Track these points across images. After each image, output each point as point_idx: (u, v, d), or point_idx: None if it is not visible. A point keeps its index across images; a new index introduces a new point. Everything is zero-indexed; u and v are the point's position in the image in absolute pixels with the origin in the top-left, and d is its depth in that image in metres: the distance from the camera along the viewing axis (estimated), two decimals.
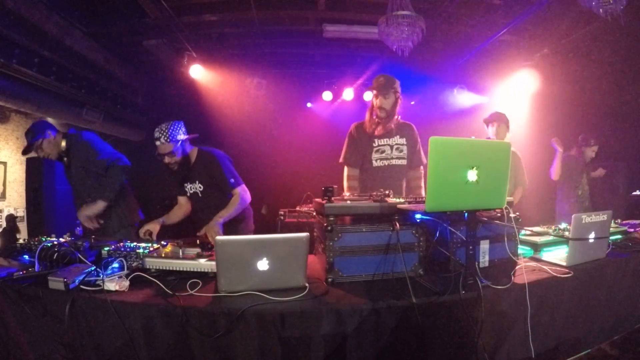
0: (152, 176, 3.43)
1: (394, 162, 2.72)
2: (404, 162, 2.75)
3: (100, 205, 2.65)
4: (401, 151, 2.74)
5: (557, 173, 4.11)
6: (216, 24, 4.50)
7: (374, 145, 2.72)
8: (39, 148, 2.73)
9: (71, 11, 3.90)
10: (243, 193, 2.54)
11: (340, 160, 2.81)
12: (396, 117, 2.75)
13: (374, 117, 2.72)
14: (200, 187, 2.58)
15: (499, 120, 3.27)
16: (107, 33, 4.39)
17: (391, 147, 2.73)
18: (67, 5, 3.80)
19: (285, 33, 4.80)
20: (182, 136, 2.44)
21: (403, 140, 2.75)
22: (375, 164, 2.72)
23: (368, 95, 6.09)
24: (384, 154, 2.72)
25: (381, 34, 3.17)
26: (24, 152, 2.79)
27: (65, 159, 2.82)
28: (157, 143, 2.40)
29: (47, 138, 2.73)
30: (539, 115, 5.34)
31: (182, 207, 2.75)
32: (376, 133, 2.71)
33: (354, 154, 2.76)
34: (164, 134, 2.37)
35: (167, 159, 2.45)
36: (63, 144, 2.79)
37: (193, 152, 2.57)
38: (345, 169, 2.79)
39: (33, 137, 2.70)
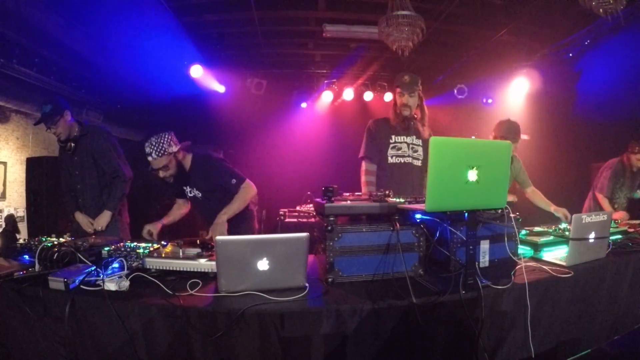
0: (152, 176, 3.43)
1: (409, 160, 2.71)
2: (419, 163, 2.73)
3: (108, 215, 2.75)
4: (416, 151, 2.73)
5: (604, 186, 3.74)
6: (216, 24, 4.50)
7: (391, 141, 2.71)
8: (54, 125, 2.68)
9: (71, 11, 3.90)
10: (247, 187, 2.47)
11: (360, 154, 2.80)
12: (422, 115, 2.74)
13: (399, 113, 2.68)
14: (199, 194, 2.54)
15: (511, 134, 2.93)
16: (107, 33, 4.39)
17: (408, 145, 2.71)
18: (67, 5, 3.80)
19: (285, 33, 4.81)
20: (173, 147, 2.36)
21: (419, 142, 2.74)
22: (390, 160, 2.70)
23: (368, 95, 6.09)
24: (400, 151, 2.70)
25: (381, 34, 3.17)
26: (37, 123, 2.74)
27: (72, 144, 2.78)
28: (150, 158, 2.33)
29: (64, 118, 2.70)
30: (538, 115, 5.34)
31: (181, 208, 2.74)
32: (397, 129, 2.70)
33: (372, 149, 2.75)
34: (155, 148, 2.30)
35: (161, 174, 2.39)
36: (76, 129, 2.79)
37: (187, 160, 2.50)
38: (363, 163, 2.78)
39: (53, 113, 2.64)
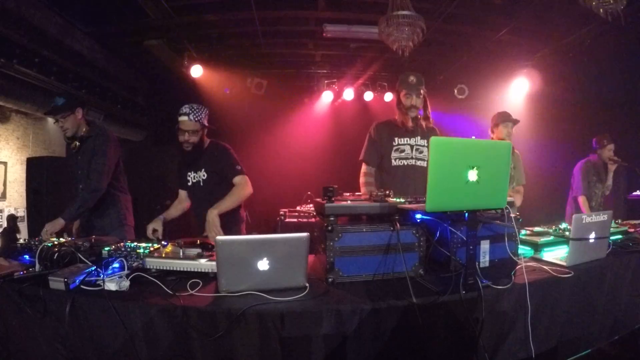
0: (152, 176, 3.43)
1: (414, 162, 2.68)
2: (424, 164, 2.69)
3: (60, 224, 2.41)
4: (421, 152, 2.70)
5: (579, 187, 3.84)
6: (216, 24, 4.50)
7: (394, 144, 2.68)
8: (62, 119, 2.65)
9: (71, 11, 3.90)
10: (245, 183, 2.52)
11: (360, 158, 2.79)
12: (428, 115, 2.73)
13: (406, 115, 2.65)
14: (203, 176, 2.59)
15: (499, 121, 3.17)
16: (107, 33, 4.40)
17: (412, 147, 2.68)
18: (67, 6, 3.80)
19: (285, 33, 4.81)
20: (206, 122, 2.54)
21: (424, 142, 2.70)
22: (394, 163, 2.67)
23: (369, 96, 6.10)
24: (403, 154, 2.67)
25: (381, 34, 3.17)
26: (47, 113, 2.75)
27: (77, 143, 2.73)
28: (184, 118, 2.44)
29: (75, 115, 2.68)
30: (538, 116, 5.34)
31: (182, 202, 2.76)
32: (401, 131, 2.68)
33: (372, 153, 2.74)
34: (194, 112, 2.45)
35: (187, 136, 2.48)
36: (85, 129, 2.75)
37: (206, 142, 2.64)
38: (363, 166, 2.78)
39: (64, 107, 2.61)
